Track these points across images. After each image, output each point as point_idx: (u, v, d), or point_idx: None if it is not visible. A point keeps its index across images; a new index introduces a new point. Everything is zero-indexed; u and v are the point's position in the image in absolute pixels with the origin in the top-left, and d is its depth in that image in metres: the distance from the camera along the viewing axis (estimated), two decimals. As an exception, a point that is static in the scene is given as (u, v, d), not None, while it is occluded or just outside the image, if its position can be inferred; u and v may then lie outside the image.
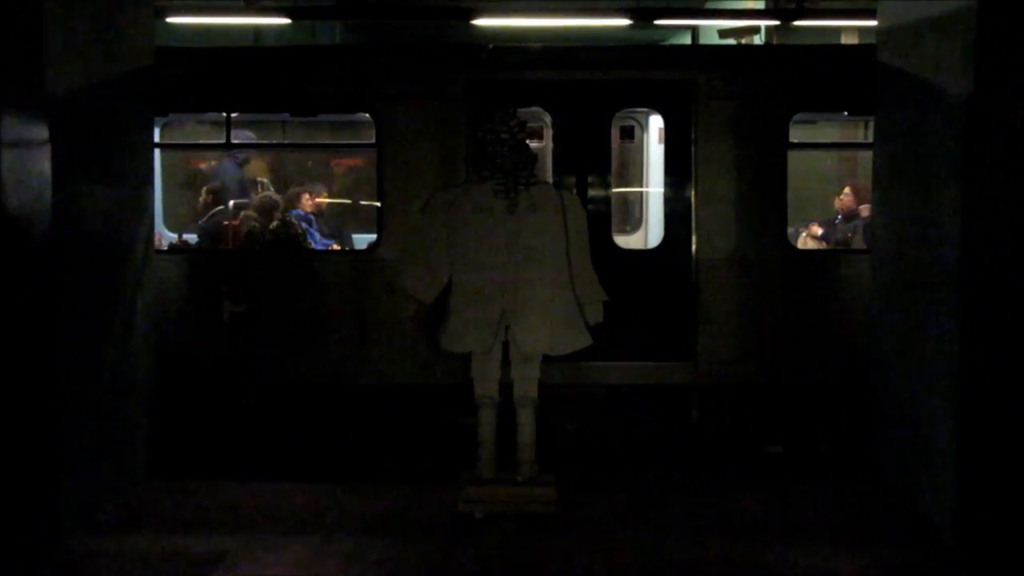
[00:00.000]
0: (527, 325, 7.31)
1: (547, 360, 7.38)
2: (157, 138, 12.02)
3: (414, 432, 9.88)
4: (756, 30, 13.97)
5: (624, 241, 11.10)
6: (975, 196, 6.63)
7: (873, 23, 8.56)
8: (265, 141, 11.85)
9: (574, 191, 9.49)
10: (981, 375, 6.61)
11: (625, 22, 12.06)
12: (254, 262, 9.89)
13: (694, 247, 9.69)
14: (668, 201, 10.01)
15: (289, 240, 10.45)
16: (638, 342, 9.70)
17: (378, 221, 9.79)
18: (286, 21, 12.52)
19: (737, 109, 9.61)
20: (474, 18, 12.15)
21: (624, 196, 12.14)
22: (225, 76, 9.87)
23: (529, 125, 10.28)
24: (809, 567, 6.54)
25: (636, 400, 9.85)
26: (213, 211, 11.21)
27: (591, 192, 9.88)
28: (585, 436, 9.90)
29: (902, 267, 7.66)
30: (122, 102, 7.80)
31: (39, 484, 6.60)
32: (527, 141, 7.46)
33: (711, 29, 15.01)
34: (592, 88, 9.84)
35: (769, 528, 7.21)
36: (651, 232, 11.68)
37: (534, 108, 10.11)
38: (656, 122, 11.35)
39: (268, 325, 9.64)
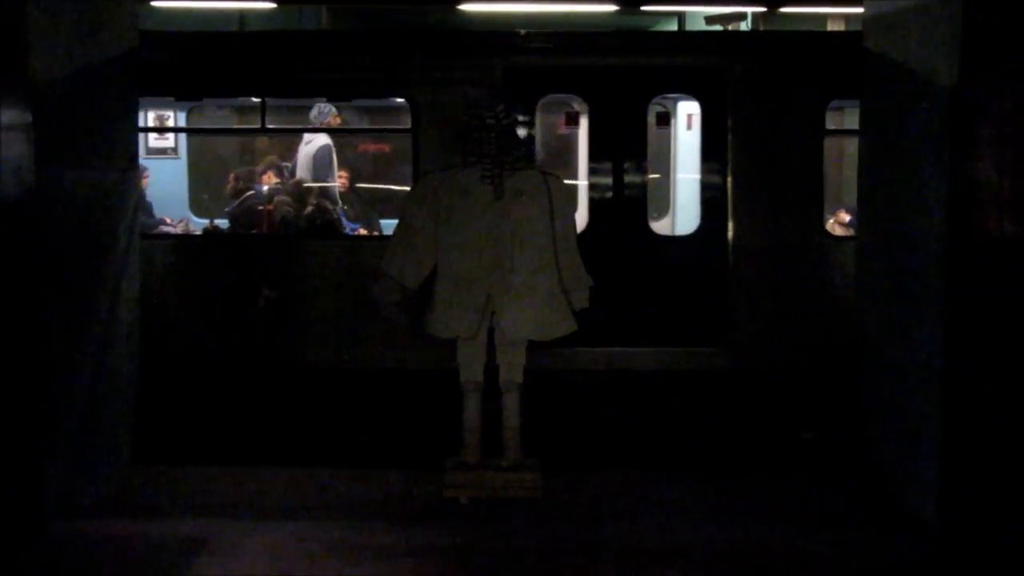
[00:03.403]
0: (512, 310, 7.32)
1: (580, 345, 7.30)
2: (184, 122, 12.04)
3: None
4: (743, 16, 13.95)
5: (658, 227, 11.02)
6: (960, 185, 6.64)
7: (859, 10, 8.55)
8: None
9: (611, 178, 9.47)
10: (965, 366, 6.62)
11: (611, 7, 12.02)
12: (290, 247, 9.81)
13: (731, 234, 9.64)
14: (705, 187, 9.93)
15: (325, 225, 10.36)
16: (675, 328, 9.65)
17: None
18: (271, 5, 12.45)
19: (774, 96, 9.56)
20: (461, 3, 12.10)
21: (658, 183, 12.07)
22: (259, 61, 9.77)
23: (567, 111, 10.30)
24: (792, 555, 6.56)
25: (671, 386, 9.78)
26: (244, 196, 11.17)
27: (627, 178, 9.83)
28: (618, 422, 9.81)
29: (888, 257, 7.67)
30: (106, 86, 7.75)
31: (22, 470, 6.58)
32: (514, 127, 7.46)
33: (698, 15, 14.97)
34: (628, 74, 9.76)
35: (753, 516, 7.24)
36: (680, 218, 11.58)
37: (570, 94, 10.06)
38: (685, 108, 11.27)
39: (304, 311, 9.58)
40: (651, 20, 17.22)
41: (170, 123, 12.12)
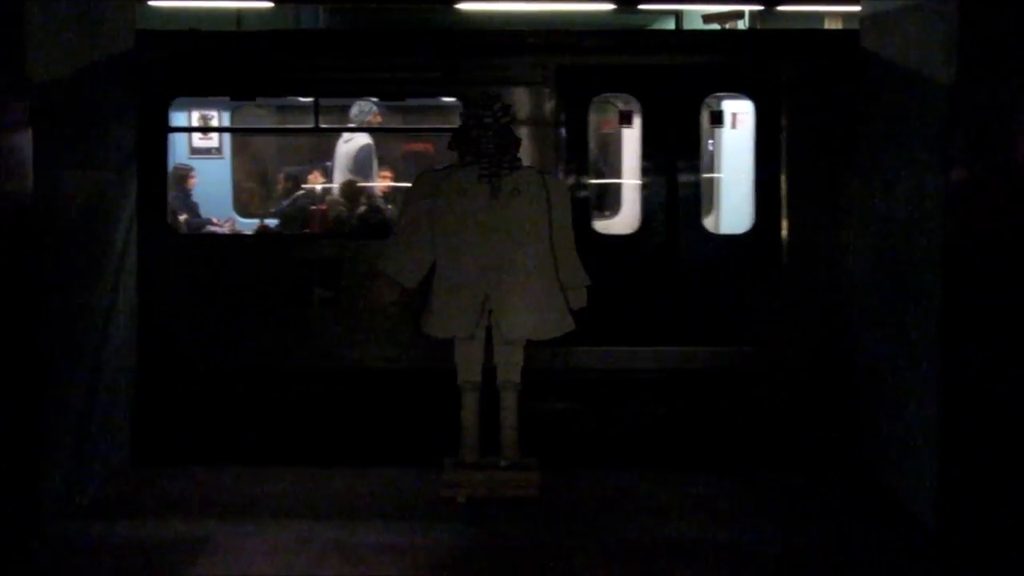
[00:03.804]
0: (510, 310, 7.32)
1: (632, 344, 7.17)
2: (228, 122, 12.02)
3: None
4: (740, 15, 13.96)
5: (711, 226, 10.94)
6: (957, 181, 6.65)
7: (856, 8, 8.56)
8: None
9: (664, 177, 9.47)
10: (962, 365, 6.63)
11: (609, 6, 12.03)
12: (344, 247, 9.76)
13: (785, 232, 9.59)
14: (758, 186, 9.87)
15: (378, 225, 10.35)
16: (730, 327, 9.61)
17: None
18: (269, 4, 12.45)
19: (826, 93, 9.51)
20: (458, 1, 12.10)
21: (711, 181, 11.99)
22: (312, 60, 9.75)
23: (620, 109, 10.23)
24: (790, 553, 6.57)
25: (722, 386, 9.70)
26: (295, 195, 11.14)
27: (681, 178, 9.78)
28: (670, 420, 9.73)
29: (885, 253, 7.69)
30: (104, 85, 7.75)
31: (19, 470, 6.58)
32: (510, 125, 7.46)
33: (695, 14, 14.98)
34: (682, 73, 9.73)
35: (749, 512, 7.24)
36: (728, 217, 11.50)
37: (623, 93, 10.03)
38: (729, 107, 11.21)
39: (359, 310, 9.47)
40: (649, 19, 17.25)
41: (214, 123, 12.10)
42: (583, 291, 7.48)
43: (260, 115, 12.18)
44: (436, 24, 16.90)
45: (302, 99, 10.42)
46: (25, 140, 6.47)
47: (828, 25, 13.53)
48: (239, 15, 14.16)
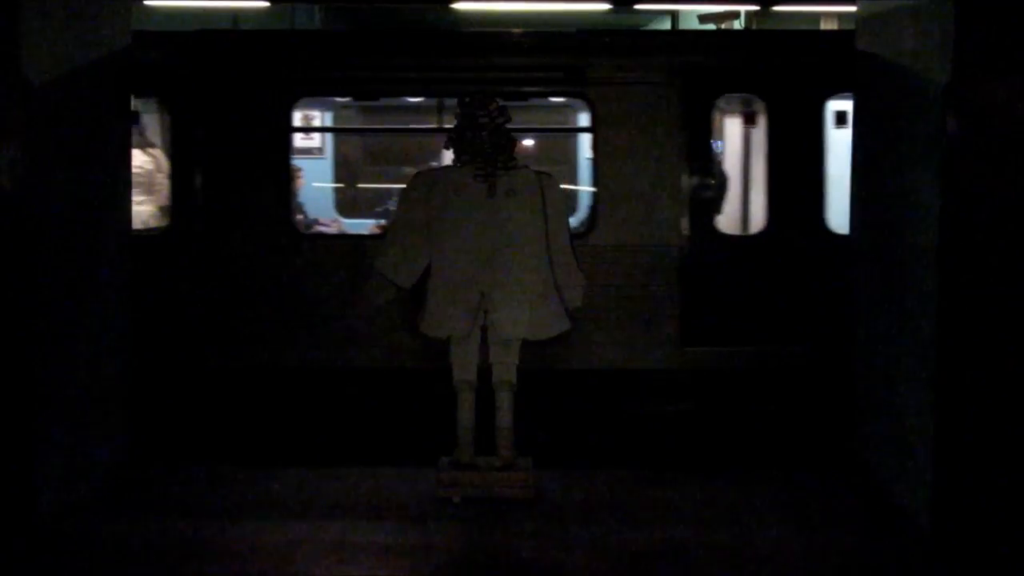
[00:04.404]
0: (506, 309, 7.32)
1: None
2: (330, 123, 12.02)
3: (623, 418, 9.73)
4: (736, 15, 13.97)
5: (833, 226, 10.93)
6: (952, 183, 6.65)
7: (852, 8, 8.56)
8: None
9: (790, 178, 9.45)
10: (959, 363, 6.64)
11: (605, 6, 12.04)
12: None
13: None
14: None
15: None
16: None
17: (592, 206, 9.64)
18: (265, 4, 12.45)
19: None
20: (453, 1, 12.10)
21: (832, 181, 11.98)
22: (432, 60, 9.74)
23: (744, 110, 10.20)
24: (785, 554, 6.57)
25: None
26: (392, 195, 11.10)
27: (807, 177, 9.72)
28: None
29: (880, 254, 7.69)
30: (99, 87, 7.73)
31: (15, 469, 6.58)
32: (507, 125, 7.45)
33: (691, 14, 15.00)
34: (807, 73, 9.72)
35: (745, 514, 7.23)
36: (840, 218, 11.51)
37: (748, 94, 10.00)
38: (833, 106, 11.20)
39: None
40: (644, 20, 17.26)
41: (316, 123, 12.11)
42: (579, 290, 7.47)
43: (364, 116, 12.14)
44: (430, 23, 16.90)
45: (410, 100, 10.41)
46: (19, 141, 6.46)
47: (824, 26, 13.54)
48: (235, 15, 14.17)
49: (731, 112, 11.00)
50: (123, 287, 8.10)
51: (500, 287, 7.32)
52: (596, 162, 9.57)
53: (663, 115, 9.41)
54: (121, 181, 8.15)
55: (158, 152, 10.12)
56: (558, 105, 10.51)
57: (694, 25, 14.59)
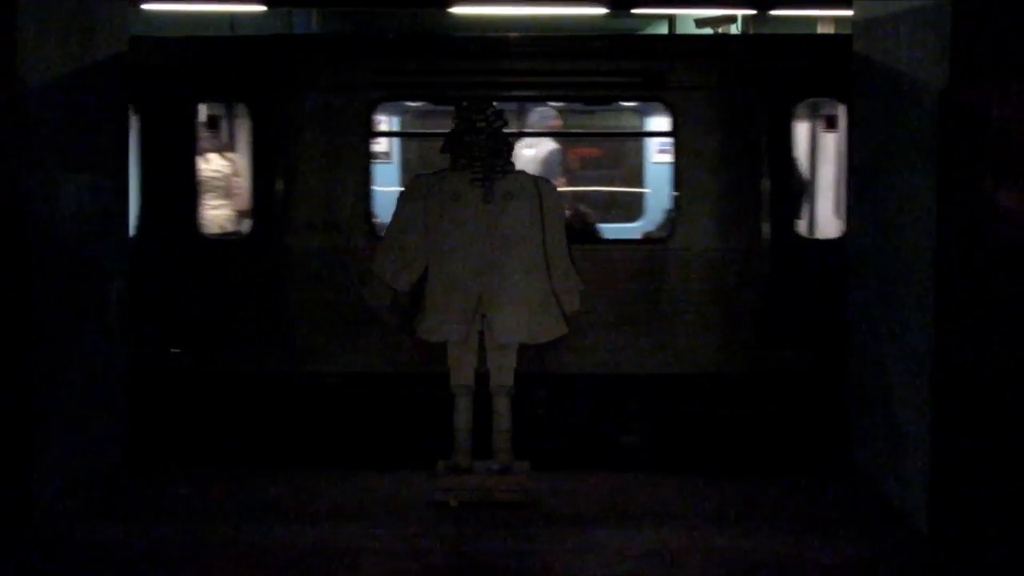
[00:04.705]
0: (503, 314, 7.33)
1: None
2: (397, 127, 12.00)
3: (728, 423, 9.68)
4: (733, 19, 13.97)
5: None
6: (949, 186, 6.66)
7: (850, 12, 8.57)
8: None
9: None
10: (955, 364, 6.65)
11: (601, 10, 12.03)
12: None
13: None
14: None
15: (585, 230, 10.29)
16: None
17: (673, 211, 9.62)
18: (262, 8, 12.43)
19: None
20: (451, 5, 12.09)
21: None
22: (516, 65, 9.68)
23: (826, 114, 10.02)
24: (781, 556, 6.58)
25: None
26: None
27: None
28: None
29: (877, 256, 7.70)
30: (96, 90, 7.74)
31: (12, 473, 6.58)
32: (503, 129, 7.46)
33: (688, 18, 14.99)
34: None
35: (745, 517, 7.24)
36: None
37: (829, 98, 9.98)
38: None
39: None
40: (641, 24, 17.22)
41: (383, 127, 12.08)
42: (576, 295, 7.48)
43: (435, 120, 12.10)
44: (427, 27, 16.86)
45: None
46: (16, 144, 6.46)
47: (821, 29, 13.54)
48: (232, 19, 14.15)
49: (811, 116, 10.98)
50: (122, 291, 8.10)
51: (497, 291, 7.32)
52: (677, 167, 9.51)
53: (744, 119, 9.36)
54: (120, 183, 8.15)
55: (236, 156, 10.12)
56: (625, 110, 10.47)
57: (691, 29, 14.58)
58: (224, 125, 10.20)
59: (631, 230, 11.24)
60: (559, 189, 9.23)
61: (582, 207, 10.70)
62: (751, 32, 13.91)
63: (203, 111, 9.59)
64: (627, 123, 11.89)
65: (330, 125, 9.34)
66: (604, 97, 10.04)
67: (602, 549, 6.64)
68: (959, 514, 6.64)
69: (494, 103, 7.54)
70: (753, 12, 13.19)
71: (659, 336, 9.37)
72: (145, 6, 11.65)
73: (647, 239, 10.58)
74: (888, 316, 7.46)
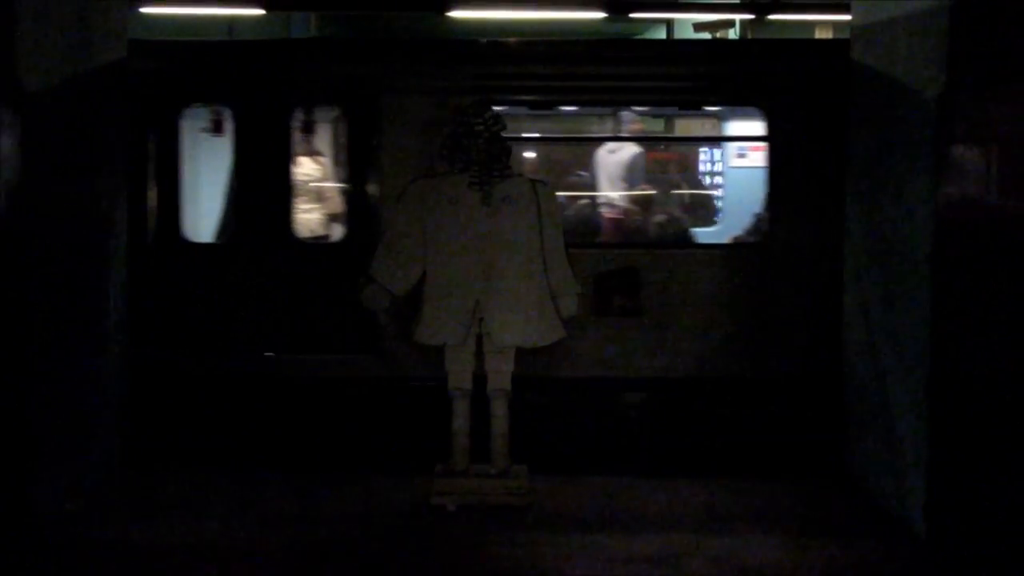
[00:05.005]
0: (500, 317, 7.34)
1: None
2: None
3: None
4: (731, 24, 14.00)
5: None
6: (946, 190, 6.68)
7: (847, 17, 8.59)
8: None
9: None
10: (952, 368, 6.66)
11: (600, 15, 12.05)
12: (645, 255, 9.42)
13: None
14: None
15: (678, 234, 10.24)
16: None
17: (770, 216, 9.44)
18: (260, 12, 12.46)
19: None
20: (449, 10, 12.11)
21: None
22: (610, 70, 9.58)
23: None
24: (779, 561, 6.58)
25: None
26: (579, 203, 11.00)
27: None
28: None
29: (875, 264, 7.71)
30: (96, 95, 7.74)
31: (10, 473, 6.58)
32: (501, 133, 7.46)
33: (686, 23, 15.03)
34: None
35: (740, 521, 7.24)
36: None
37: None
38: None
39: (659, 319, 9.28)
40: (639, 28, 17.26)
41: None
42: (574, 299, 7.48)
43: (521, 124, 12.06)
44: (427, 31, 16.87)
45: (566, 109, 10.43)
46: (15, 149, 6.47)
47: (819, 35, 13.58)
48: (231, 23, 14.18)
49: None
50: (121, 293, 8.10)
51: (495, 295, 7.33)
52: (771, 172, 9.35)
53: (839, 123, 9.23)
54: (118, 188, 8.15)
55: (327, 160, 10.08)
56: (706, 115, 10.41)
57: (689, 34, 14.62)
58: (319, 129, 10.13)
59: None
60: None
61: (675, 211, 10.63)
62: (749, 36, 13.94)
63: (298, 115, 9.48)
64: (708, 129, 11.87)
65: (429, 129, 9.23)
66: (701, 102, 9.97)
67: (602, 552, 6.65)
68: (956, 518, 6.64)
69: (492, 107, 7.53)
70: (750, 16, 13.23)
71: (749, 339, 9.24)
72: (144, 9, 11.69)
73: (746, 244, 10.18)
74: (885, 323, 7.47)
